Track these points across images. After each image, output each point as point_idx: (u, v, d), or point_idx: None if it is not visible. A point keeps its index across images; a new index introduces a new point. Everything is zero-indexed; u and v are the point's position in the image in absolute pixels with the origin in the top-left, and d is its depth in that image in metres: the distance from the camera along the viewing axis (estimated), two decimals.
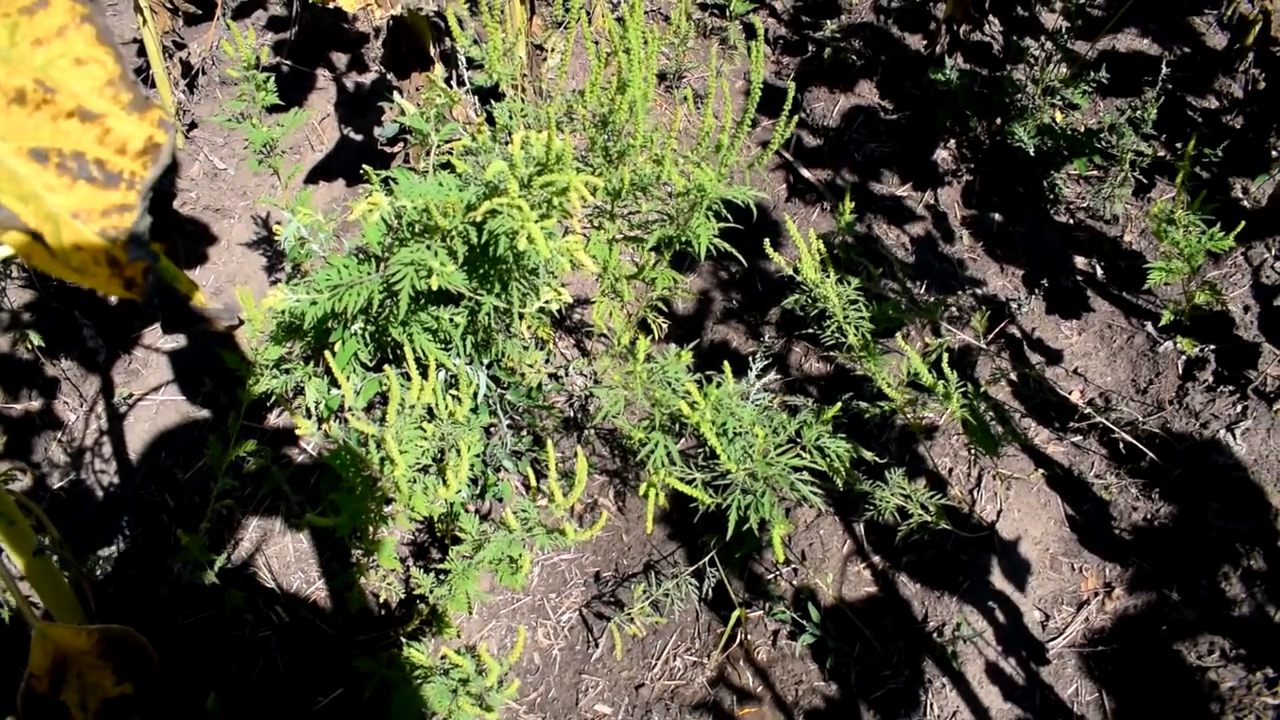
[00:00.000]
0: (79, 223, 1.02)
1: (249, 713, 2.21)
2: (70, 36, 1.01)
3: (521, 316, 1.98)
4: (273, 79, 2.33)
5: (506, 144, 2.03)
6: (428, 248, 1.76)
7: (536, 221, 1.60)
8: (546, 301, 1.88)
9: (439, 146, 2.17)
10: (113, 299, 2.94)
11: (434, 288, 1.71)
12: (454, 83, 2.72)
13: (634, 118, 1.88)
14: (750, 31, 3.71)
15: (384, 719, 2.15)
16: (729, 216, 2.10)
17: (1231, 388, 2.58)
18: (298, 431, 2.06)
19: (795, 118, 2.04)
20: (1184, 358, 2.69)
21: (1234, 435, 2.49)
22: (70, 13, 0.99)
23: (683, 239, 2.10)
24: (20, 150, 1.00)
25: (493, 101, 2.18)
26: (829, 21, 3.71)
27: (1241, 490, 2.41)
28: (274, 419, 2.68)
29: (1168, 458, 2.49)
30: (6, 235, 1.01)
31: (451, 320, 1.92)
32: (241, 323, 1.88)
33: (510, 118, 2.05)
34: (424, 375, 1.78)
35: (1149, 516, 2.41)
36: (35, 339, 2.71)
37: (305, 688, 2.24)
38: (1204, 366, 2.64)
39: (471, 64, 2.71)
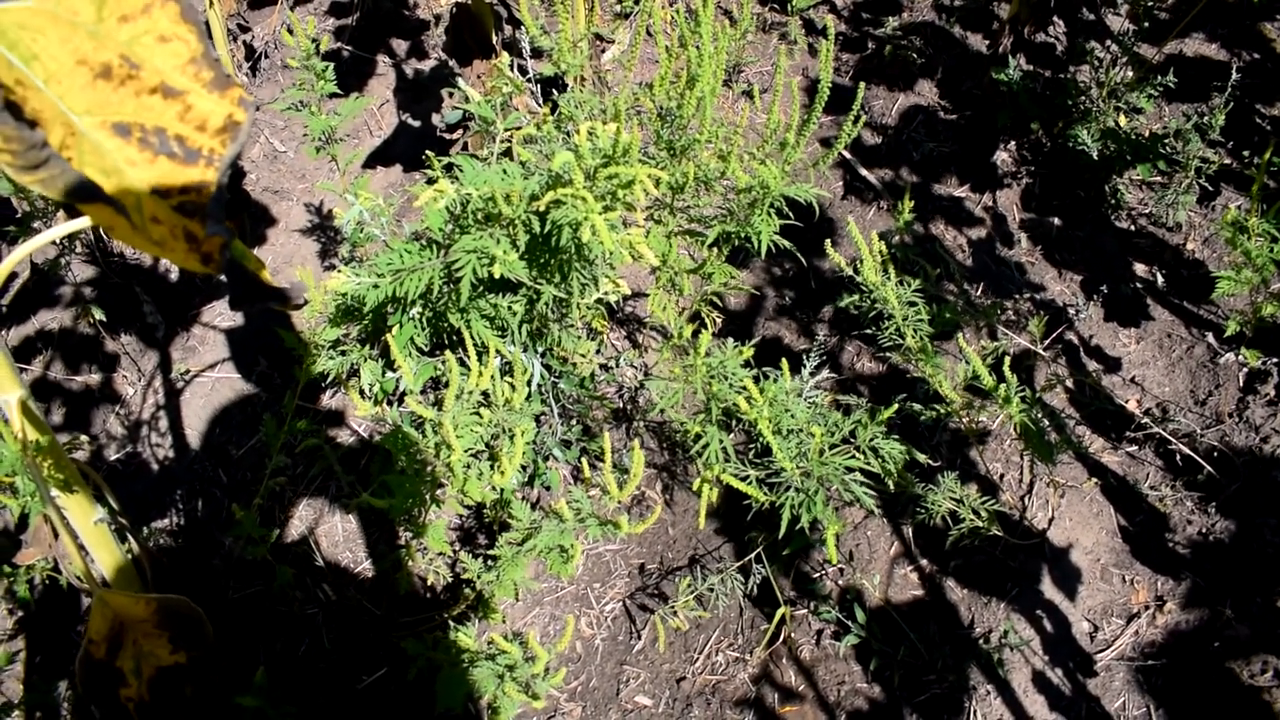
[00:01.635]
0: (159, 197, 1.04)
1: (294, 688, 2.24)
2: (155, 14, 1.02)
3: (577, 306, 1.99)
4: (332, 68, 2.30)
5: (569, 134, 2.03)
6: (490, 235, 1.77)
7: (600, 213, 1.60)
8: (605, 293, 1.88)
9: (501, 135, 2.18)
10: (173, 274, 2.99)
11: (496, 275, 1.72)
12: (515, 71, 2.73)
13: (700, 113, 1.88)
14: (810, 27, 3.69)
15: (426, 700, 2.18)
16: (790, 214, 2.09)
17: None
18: (358, 413, 2.08)
19: (862, 119, 2.03)
20: (1245, 370, 2.63)
21: None
22: None
23: (741, 235, 2.09)
24: (104, 124, 1.02)
25: (555, 91, 2.18)
26: (890, 19, 3.67)
27: None
28: (326, 400, 2.71)
29: (1226, 471, 2.44)
30: (90, 207, 1.03)
31: (510, 308, 1.93)
32: (307, 302, 1.90)
33: (575, 108, 2.06)
34: (480, 361, 1.80)
35: (1204, 531, 2.37)
36: (97, 313, 2.76)
37: (350, 666, 2.27)
38: (1266, 380, 2.59)
39: (535, 53, 2.71)
